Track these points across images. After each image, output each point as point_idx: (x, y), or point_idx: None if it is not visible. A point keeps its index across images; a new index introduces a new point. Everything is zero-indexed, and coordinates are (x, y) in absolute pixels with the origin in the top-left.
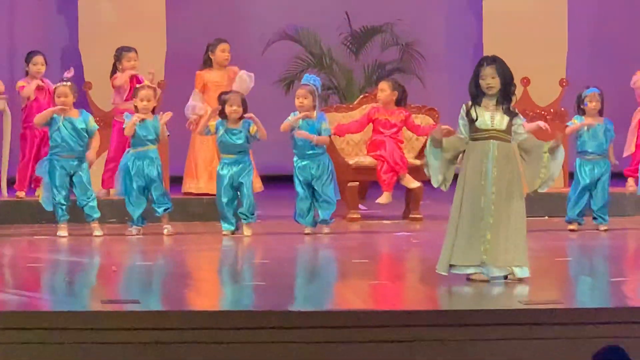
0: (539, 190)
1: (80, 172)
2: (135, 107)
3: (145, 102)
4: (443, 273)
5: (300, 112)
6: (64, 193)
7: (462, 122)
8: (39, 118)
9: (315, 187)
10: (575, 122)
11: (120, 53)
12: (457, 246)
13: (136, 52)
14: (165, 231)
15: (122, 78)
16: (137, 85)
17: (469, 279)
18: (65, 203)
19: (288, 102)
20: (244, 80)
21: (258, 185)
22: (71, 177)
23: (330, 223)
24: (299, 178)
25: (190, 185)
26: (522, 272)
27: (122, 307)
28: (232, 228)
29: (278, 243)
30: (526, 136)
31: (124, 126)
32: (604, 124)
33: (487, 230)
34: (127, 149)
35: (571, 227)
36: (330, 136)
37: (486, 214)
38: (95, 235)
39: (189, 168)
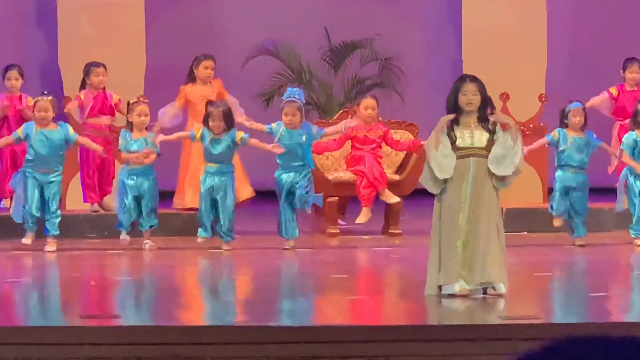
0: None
1: (51, 187)
2: (130, 122)
3: (142, 117)
4: (433, 294)
5: (288, 129)
6: (34, 205)
7: (442, 136)
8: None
9: (290, 198)
10: (556, 134)
11: (88, 68)
12: (442, 265)
13: (105, 67)
14: (146, 246)
15: (73, 104)
16: (131, 101)
17: (450, 294)
18: (35, 215)
19: (267, 117)
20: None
21: (249, 191)
22: (43, 190)
23: (309, 206)
24: (279, 189)
25: (177, 202)
26: (499, 288)
27: (102, 322)
28: (207, 235)
29: (258, 258)
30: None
31: (121, 147)
32: (585, 138)
33: (464, 247)
34: (122, 166)
35: (556, 222)
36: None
37: (463, 232)
38: (47, 251)
39: (178, 184)
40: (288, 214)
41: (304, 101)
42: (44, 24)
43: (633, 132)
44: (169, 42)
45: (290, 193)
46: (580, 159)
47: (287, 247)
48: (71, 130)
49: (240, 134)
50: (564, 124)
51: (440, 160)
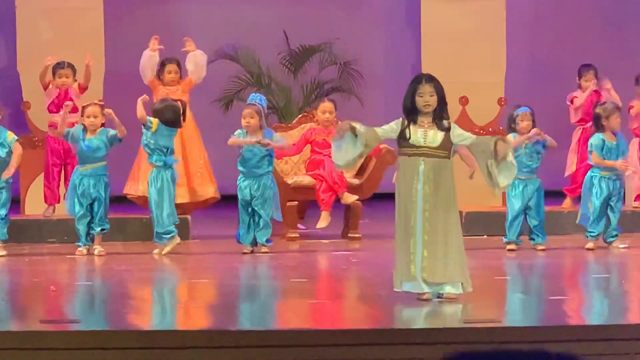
0: (503, 184)
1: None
2: (83, 125)
3: (92, 118)
4: (397, 290)
5: (247, 132)
6: None
7: (390, 128)
8: None
9: (255, 207)
10: (510, 137)
11: (54, 69)
12: (400, 262)
13: (72, 68)
14: (95, 251)
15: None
16: (84, 104)
17: (419, 298)
18: None
19: (226, 121)
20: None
21: (212, 191)
22: None
23: (269, 245)
24: (239, 198)
25: (130, 188)
26: (459, 288)
27: (62, 327)
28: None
29: (217, 262)
30: (473, 139)
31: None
32: (533, 144)
33: (422, 247)
34: (76, 166)
35: (510, 247)
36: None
37: (418, 231)
38: None
39: (133, 171)
40: (244, 225)
41: (265, 107)
42: (3, 29)
43: (599, 134)
44: (128, 46)
45: (248, 204)
46: (529, 166)
47: (246, 251)
48: (9, 136)
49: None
50: (511, 129)
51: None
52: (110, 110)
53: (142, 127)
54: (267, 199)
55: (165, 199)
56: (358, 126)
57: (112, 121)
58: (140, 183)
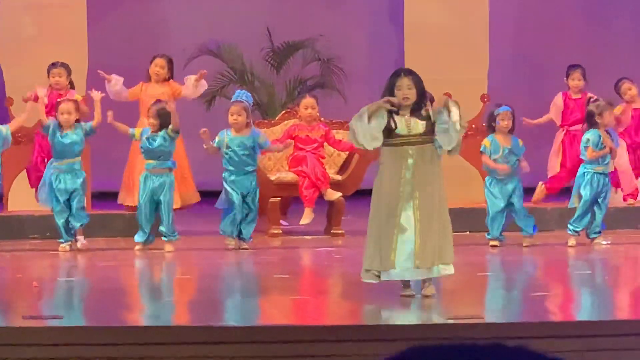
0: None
1: None
2: (58, 121)
3: (65, 115)
4: (367, 279)
5: (234, 129)
6: None
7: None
8: None
9: (247, 202)
10: (488, 144)
11: (48, 69)
12: (379, 251)
13: (65, 67)
14: (78, 244)
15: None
16: (59, 100)
17: (402, 295)
18: None
19: (209, 118)
20: (192, 86)
21: (196, 196)
22: None
23: (249, 241)
24: (234, 190)
25: (126, 198)
26: (451, 268)
27: (44, 322)
28: (142, 240)
29: (200, 258)
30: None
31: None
32: (511, 146)
33: (415, 236)
34: (50, 160)
35: (492, 243)
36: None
37: (405, 221)
38: None
39: (125, 181)
40: (238, 214)
41: (251, 103)
42: None
43: (596, 130)
44: (112, 42)
45: (244, 197)
46: (508, 165)
47: (231, 246)
48: (3, 130)
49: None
50: (491, 127)
51: (371, 133)
52: (97, 95)
53: (167, 135)
54: (257, 194)
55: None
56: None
57: (93, 104)
58: (135, 193)
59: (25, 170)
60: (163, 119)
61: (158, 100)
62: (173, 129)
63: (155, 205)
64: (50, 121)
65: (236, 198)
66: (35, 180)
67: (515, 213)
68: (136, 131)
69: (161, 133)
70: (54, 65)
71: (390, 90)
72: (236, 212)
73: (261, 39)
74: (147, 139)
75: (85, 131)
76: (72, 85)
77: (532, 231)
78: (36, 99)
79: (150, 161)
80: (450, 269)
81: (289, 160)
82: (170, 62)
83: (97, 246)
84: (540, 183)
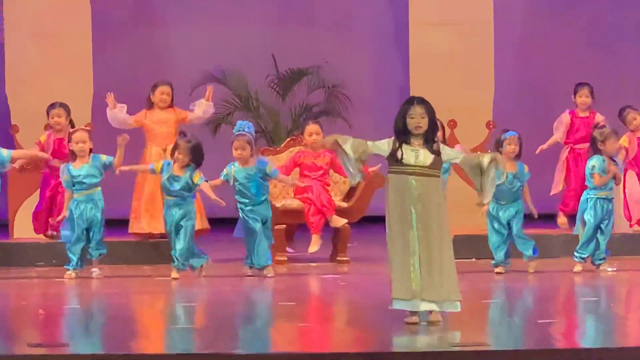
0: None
1: None
2: (72, 151)
3: (80, 144)
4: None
5: (239, 163)
6: None
7: (381, 145)
8: None
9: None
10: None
11: (47, 109)
12: (395, 279)
13: (65, 108)
14: (93, 274)
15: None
16: (71, 131)
17: (407, 322)
18: None
19: (215, 145)
20: (203, 108)
21: (205, 223)
22: None
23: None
24: (255, 218)
25: (134, 226)
26: (457, 306)
27: (50, 350)
28: (174, 265)
29: (205, 286)
30: (462, 156)
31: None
32: (517, 171)
33: (419, 265)
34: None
35: (498, 270)
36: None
37: (415, 249)
38: None
39: (133, 209)
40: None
41: (254, 134)
42: None
43: (600, 156)
44: (117, 71)
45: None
46: (510, 194)
47: (251, 273)
48: (4, 152)
49: (198, 176)
50: (498, 152)
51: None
52: (126, 136)
53: (191, 181)
54: (270, 224)
55: None
56: (340, 140)
57: (120, 147)
58: (142, 220)
59: (32, 200)
60: (195, 156)
61: (183, 134)
62: (195, 181)
63: (177, 230)
64: (62, 165)
65: (258, 227)
66: (38, 228)
67: (513, 238)
68: (156, 166)
69: (185, 177)
70: (52, 106)
71: (402, 118)
72: (259, 239)
73: (266, 66)
74: (169, 178)
75: (103, 164)
76: (72, 124)
77: (532, 254)
78: (42, 148)
79: (170, 198)
80: (456, 307)
81: (294, 187)
82: (172, 87)
83: (102, 274)
84: (560, 213)
